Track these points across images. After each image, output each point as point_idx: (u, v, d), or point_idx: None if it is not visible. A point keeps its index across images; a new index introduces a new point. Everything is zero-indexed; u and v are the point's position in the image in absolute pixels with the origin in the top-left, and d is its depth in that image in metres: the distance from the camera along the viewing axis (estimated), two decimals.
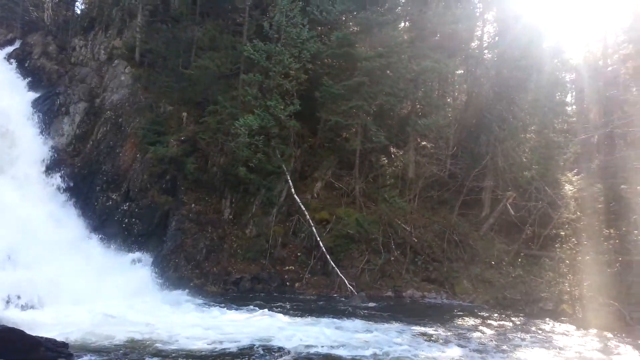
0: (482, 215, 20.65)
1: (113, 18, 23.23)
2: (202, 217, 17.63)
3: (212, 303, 13.95)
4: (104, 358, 8.73)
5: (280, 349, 9.84)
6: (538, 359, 10.01)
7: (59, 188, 18.33)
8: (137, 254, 16.58)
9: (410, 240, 18.86)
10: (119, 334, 10.09)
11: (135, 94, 20.27)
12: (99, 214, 18.03)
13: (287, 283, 17.11)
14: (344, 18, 23.17)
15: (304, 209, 18.35)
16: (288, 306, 14.11)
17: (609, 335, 12.58)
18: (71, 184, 18.50)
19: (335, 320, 12.63)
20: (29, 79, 21.86)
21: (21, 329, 8.14)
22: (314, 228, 17.91)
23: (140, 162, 18.54)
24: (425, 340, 11.11)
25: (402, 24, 24.40)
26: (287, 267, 17.56)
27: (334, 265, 17.03)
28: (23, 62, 22.90)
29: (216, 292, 15.89)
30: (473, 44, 25.44)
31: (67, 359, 8.09)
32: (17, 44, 24.21)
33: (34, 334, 8.07)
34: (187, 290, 15.25)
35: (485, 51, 25.20)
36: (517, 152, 20.67)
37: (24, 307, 11.91)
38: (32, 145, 19.00)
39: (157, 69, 21.09)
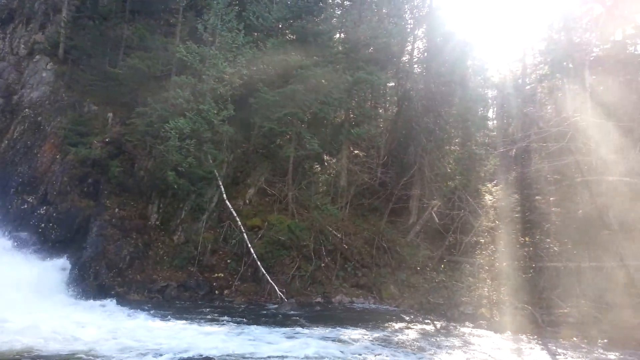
0: (409, 222, 21.40)
1: (35, 11, 21.96)
2: (127, 222, 16.93)
3: (134, 312, 13.38)
4: None
5: (206, 358, 9.62)
6: None
7: None
8: (54, 261, 15.61)
9: (340, 247, 19.15)
10: (23, 345, 9.45)
11: (57, 91, 19.22)
12: (13, 218, 16.83)
13: (216, 291, 16.78)
14: (280, 25, 23.28)
15: (235, 215, 18.13)
16: (216, 314, 13.84)
17: (523, 337, 13.37)
18: None
19: (263, 327, 12.55)
20: None
21: None
22: (245, 235, 17.74)
23: (60, 163, 17.55)
24: (352, 344, 11.30)
25: (337, 35, 24.89)
26: (216, 275, 17.22)
27: (264, 272, 16.92)
28: None
29: (140, 300, 15.28)
30: (404, 58, 26.45)
31: None
32: None
33: None
34: (108, 299, 14.55)
35: (415, 66, 26.28)
36: (443, 163, 21.64)
37: None
38: None
39: (81, 67, 20.15)
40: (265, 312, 14.91)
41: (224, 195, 18.34)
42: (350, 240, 19.70)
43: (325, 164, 23.37)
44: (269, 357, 9.90)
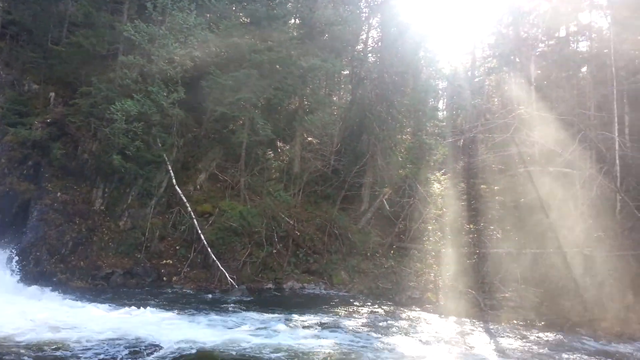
0: (361, 209, 21.69)
1: None
2: (69, 207, 16.22)
3: (77, 299, 12.90)
4: None
5: (151, 345, 9.41)
6: (402, 344, 10.74)
7: None
8: None
9: (293, 234, 19.17)
10: None
11: None
12: None
13: (164, 277, 16.41)
14: (234, 8, 22.78)
15: (185, 200, 17.75)
16: (163, 301, 13.57)
17: (466, 320, 13.91)
18: None
19: (212, 314, 12.43)
20: None
21: None
22: (195, 221, 17.41)
23: None
24: (301, 329, 11.38)
25: (292, 21, 24.65)
26: (164, 261, 16.83)
27: (214, 259, 16.70)
28: None
29: (84, 287, 14.73)
30: (358, 47, 26.55)
31: None
32: None
33: None
34: (50, 286, 13.96)
35: (369, 54, 26.44)
36: (394, 152, 21.99)
37: None
38: None
39: (21, 43, 18.98)
40: (215, 298, 14.75)
41: (174, 181, 17.89)
42: (302, 226, 19.75)
43: (279, 150, 23.24)
44: (217, 343, 9.81)
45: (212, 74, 19.03)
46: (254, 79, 19.23)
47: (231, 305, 13.86)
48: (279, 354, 9.25)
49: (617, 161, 17.19)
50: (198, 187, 19.39)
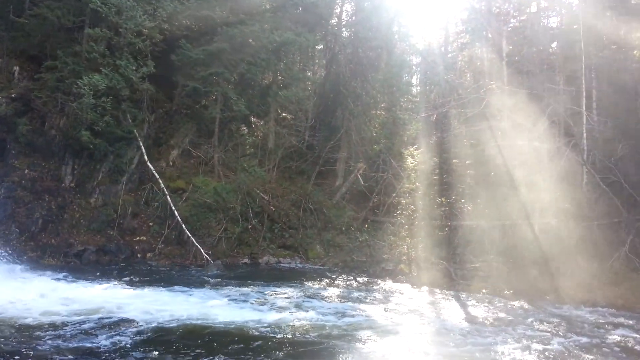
0: (335, 184, 21.85)
1: None
2: (38, 184, 15.85)
3: (48, 277, 12.72)
4: None
5: (127, 320, 9.38)
6: (375, 314, 11.00)
7: None
8: None
9: (268, 209, 19.21)
10: None
11: None
12: None
13: (138, 254, 16.31)
14: None
15: (157, 177, 17.55)
16: (137, 278, 13.48)
17: (437, 290, 14.29)
18: None
19: (187, 289, 12.43)
20: None
21: None
22: (168, 197, 17.26)
23: None
24: (278, 302, 11.51)
25: None
26: (137, 238, 16.71)
27: (189, 235, 16.65)
28: None
29: (55, 265, 14.51)
30: (332, 21, 26.32)
31: None
32: None
33: None
34: (21, 265, 13.70)
35: (344, 29, 26.25)
36: (369, 127, 22.13)
37: None
38: None
39: None
40: (191, 274, 14.75)
41: (145, 157, 17.63)
42: (277, 202, 19.81)
43: (253, 126, 23.08)
44: (193, 317, 9.85)
45: (182, 47, 18.64)
46: (226, 53, 18.94)
47: (207, 280, 13.89)
48: (256, 326, 9.36)
49: (585, 135, 17.64)
50: (171, 163, 19.17)
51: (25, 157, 16.18)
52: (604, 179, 16.98)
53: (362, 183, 21.06)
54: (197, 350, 7.75)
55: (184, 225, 16.78)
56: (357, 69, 22.90)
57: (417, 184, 18.64)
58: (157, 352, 7.52)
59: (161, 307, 10.41)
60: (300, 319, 10.12)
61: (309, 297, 12.32)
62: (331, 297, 12.59)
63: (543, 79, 18.65)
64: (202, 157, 19.87)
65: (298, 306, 11.24)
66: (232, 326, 9.29)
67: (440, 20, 25.31)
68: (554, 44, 21.25)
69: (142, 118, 18.00)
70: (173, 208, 17.02)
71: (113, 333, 8.56)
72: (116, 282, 12.48)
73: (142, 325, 9.06)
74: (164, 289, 12.26)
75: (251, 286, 13.11)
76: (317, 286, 13.92)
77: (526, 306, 12.74)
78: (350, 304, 11.85)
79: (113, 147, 16.85)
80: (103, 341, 8.02)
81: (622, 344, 9.40)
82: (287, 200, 20.15)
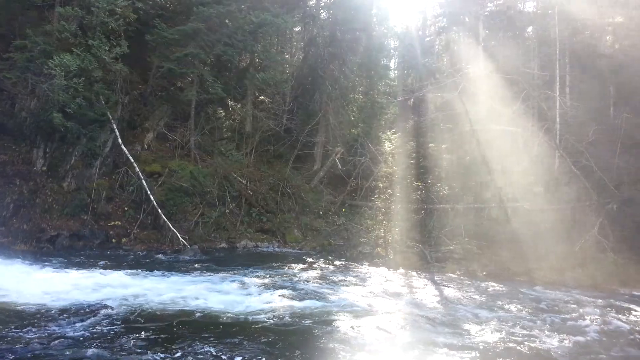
0: (313, 168, 21.86)
1: None
2: (8, 168, 15.41)
3: (21, 263, 12.48)
4: None
5: (102, 306, 9.29)
6: (352, 296, 11.13)
7: None
8: None
9: (245, 193, 19.14)
10: None
11: None
12: None
13: (113, 239, 16.08)
14: None
15: (132, 160, 17.24)
16: (112, 263, 13.33)
17: (413, 272, 14.54)
18: None
19: (163, 274, 12.34)
20: None
21: None
22: (144, 181, 17.00)
23: None
24: (255, 286, 11.54)
25: None
26: (112, 223, 16.45)
27: (165, 219, 16.48)
28: None
29: (28, 250, 14.21)
30: (311, 2, 26.01)
31: None
32: None
33: None
34: None
35: (322, 11, 25.99)
36: (347, 111, 22.12)
37: None
38: None
39: None
40: (167, 259, 14.64)
41: (120, 140, 17.29)
42: (255, 186, 19.73)
43: (230, 109, 22.81)
44: (170, 301, 9.80)
45: (157, 27, 18.22)
46: (202, 33, 18.58)
47: (184, 264, 13.82)
48: (233, 310, 9.37)
49: (557, 119, 18.00)
50: (146, 146, 18.86)
51: None
52: (576, 162, 17.41)
53: (340, 167, 21.12)
54: (173, 335, 7.74)
55: (159, 210, 16.59)
56: (335, 52, 22.76)
57: (395, 167, 18.83)
58: (132, 337, 7.48)
59: (136, 292, 10.32)
60: (278, 302, 10.18)
61: (286, 280, 12.39)
62: (309, 280, 12.68)
63: (518, 63, 18.87)
64: (178, 141, 19.59)
65: (275, 290, 11.28)
66: (209, 310, 9.29)
67: (418, 4, 25.27)
68: (530, 29, 21.48)
69: (115, 100, 17.60)
70: (148, 192, 16.80)
71: (87, 318, 8.47)
72: (91, 268, 12.32)
73: (117, 311, 8.98)
74: (139, 274, 12.14)
75: (229, 270, 13.09)
76: (294, 270, 14.00)
77: (499, 287, 13.06)
78: (327, 287, 11.96)
79: (86, 129, 16.47)
80: (77, 327, 7.93)
81: (588, 322, 9.74)
82: (264, 184, 20.08)
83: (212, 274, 12.64)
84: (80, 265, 12.50)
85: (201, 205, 17.88)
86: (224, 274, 12.66)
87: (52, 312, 8.65)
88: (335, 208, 19.63)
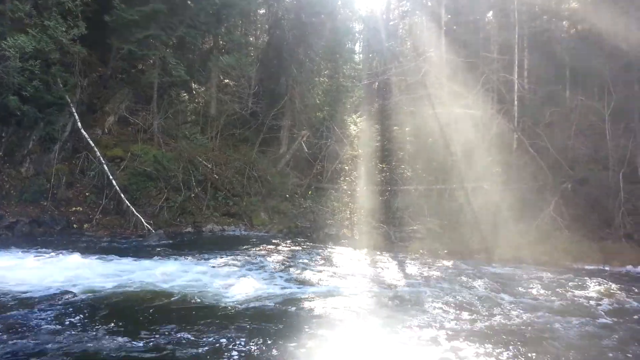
0: (279, 152, 21.88)
1: None
2: None
3: None
4: None
5: (64, 292, 9.17)
6: (319, 276, 11.34)
7: None
8: None
9: (211, 177, 19.03)
10: None
11: None
12: None
13: (75, 225, 15.77)
14: None
15: (93, 145, 16.87)
16: (75, 248, 13.07)
17: (378, 252, 14.88)
18: None
19: (128, 258, 12.22)
20: None
21: None
22: (105, 166, 16.69)
23: None
24: (222, 268, 11.59)
25: None
26: (74, 209, 16.13)
27: (129, 204, 16.26)
28: None
29: None
30: None
31: None
32: None
33: None
34: None
35: None
36: (312, 94, 22.14)
37: None
38: None
39: None
40: (130, 244, 14.48)
41: (79, 124, 16.86)
42: (221, 170, 19.64)
43: (194, 92, 22.50)
44: (134, 286, 9.76)
45: (116, 8, 17.69)
46: (163, 14, 18.18)
47: (149, 249, 13.70)
48: (199, 293, 9.41)
49: (516, 102, 18.56)
50: (107, 130, 18.46)
51: None
52: (533, 144, 18.05)
53: (306, 150, 21.23)
54: (137, 320, 7.73)
55: (122, 195, 16.35)
56: (300, 35, 22.66)
57: (360, 150, 19.08)
58: (97, 323, 7.45)
59: (100, 277, 10.22)
60: (245, 284, 10.26)
61: (253, 263, 12.48)
62: (275, 262, 12.81)
63: (478, 47, 19.29)
64: (140, 125, 19.24)
65: (243, 272, 11.36)
66: (175, 294, 9.29)
67: None
68: (490, 14, 21.91)
69: (74, 83, 17.10)
70: (110, 177, 16.51)
71: (50, 305, 8.36)
72: (51, 254, 12.08)
73: (80, 297, 8.90)
74: (103, 259, 12.00)
75: (195, 254, 13.07)
76: (261, 252, 14.10)
77: (459, 265, 13.54)
78: (294, 268, 12.13)
79: (43, 113, 15.98)
80: (39, 314, 7.83)
81: (543, 296, 10.26)
82: (230, 168, 20.01)
83: (179, 257, 12.60)
84: (40, 252, 12.24)
85: (166, 189, 17.71)
86: (191, 258, 12.64)
87: (10, 299, 8.50)
88: (302, 191, 19.77)
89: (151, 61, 19.50)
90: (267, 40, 26.06)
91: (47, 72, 15.92)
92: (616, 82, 17.55)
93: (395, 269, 12.85)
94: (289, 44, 23.03)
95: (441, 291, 10.35)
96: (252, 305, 8.76)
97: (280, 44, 24.13)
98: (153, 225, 16.06)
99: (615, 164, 16.90)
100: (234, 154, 20.95)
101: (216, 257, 12.87)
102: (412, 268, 12.88)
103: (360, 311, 8.65)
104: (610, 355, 6.91)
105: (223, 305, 8.69)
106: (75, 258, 11.86)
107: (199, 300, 8.98)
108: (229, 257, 12.91)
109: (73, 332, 7.04)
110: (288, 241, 16.02)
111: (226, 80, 23.70)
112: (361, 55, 27.89)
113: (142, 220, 15.94)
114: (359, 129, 21.25)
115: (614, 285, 11.27)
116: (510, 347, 6.88)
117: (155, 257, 12.56)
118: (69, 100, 16.66)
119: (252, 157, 20.57)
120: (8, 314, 7.75)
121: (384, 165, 17.78)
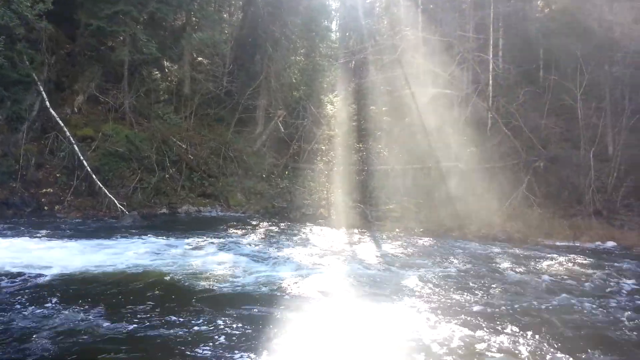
0: (256, 132, 21.65)
1: None
2: None
3: None
4: None
5: (35, 275, 8.97)
6: (295, 255, 11.37)
7: None
8: None
9: (186, 158, 18.75)
10: None
11: None
12: None
13: (45, 207, 15.38)
14: None
15: (62, 124, 16.37)
16: (46, 230, 12.79)
17: (355, 231, 15.00)
18: None
19: (101, 240, 12.00)
20: None
21: None
22: (75, 146, 16.23)
23: None
24: (198, 250, 11.49)
25: None
26: (44, 190, 15.69)
27: (101, 185, 15.91)
28: None
29: None
30: None
31: None
32: None
33: None
34: None
35: None
36: (288, 73, 21.87)
37: None
38: None
39: None
40: (103, 226, 14.21)
41: (47, 103, 16.32)
42: (195, 150, 19.36)
43: (166, 70, 21.97)
44: (108, 267, 9.60)
45: None
46: None
47: (122, 231, 13.46)
48: (176, 273, 9.32)
49: (490, 82, 18.71)
50: (76, 109, 17.92)
51: None
52: (507, 123, 18.29)
53: (282, 130, 21.06)
54: (109, 302, 7.61)
55: (94, 176, 15.98)
56: (275, 12, 22.24)
57: (336, 130, 19.02)
58: (66, 305, 7.31)
59: (73, 259, 10.01)
60: (222, 264, 10.21)
61: (230, 243, 12.41)
62: (252, 243, 12.77)
63: (455, 26, 19.30)
64: (111, 103, 18.73)
65: (219, 252, 11.30)
66: (149, 277, 9.18)
67: None
68: None
69: (41, 60, 16.49)
70: (81, 158, 16.08)
71: (18, 288, 8.17)
72: (22, 236, 11.77)
73: (51, 277, 8.72)
74: (74, 241, 11.74)
75: (170, 236, 12.91)
76: (238, 233, 14.04)
77: (434, 242, 13.75)
78: (272, 248, 12.12)
79: (9, 92, 15.41)
80: (7, 296, 7.65)
81: (515, 270, 10.51)
82: (206, 148, 19.73)
83: (153, 239, 12.43)
84: (10, 235, 11.92)
85: (139, 170, 17.38)
86: (166, 239, 12.48)
87: None
88: (278, 171, 19.67)
89: (121, 38, 18.89)
90: (242, 17, 25.54)
91: (12, 48, 15.30)
92: (588, 62, 17.84)
93: (371, 248, 12.97)
94: (264, 21, 22.60)
95: (417, 269, 10.49)
96: (228, 286, 8.72)
97: (255, 21, 23.66)
98: (127, 207, 15.77)
99: (586, 143, 17.29)
100: (209, 134, 20.65)
101: (192, 238, 12.74)
102: (388, 246, 13.02)
103: (335, 290, 8.71)
104: (578, 324, 7.14)
105: (199, 287, 8.62)
106: (46, 240, 11.60)
107: (173, 281, 8.89)
108: (205, 238, 12.80)
109: (43, 314, 6.90)
110: (265, 221, 15.98)
111: (200, 58, 23.20)
112: (338, 34, 27.61)
113: (115, 201, 15.64)
114: (336, 108, 21.15)
115: (582, 260, 11.63)
116: (483, 321, 7.04)
117: (129, 239, 12.36)
118: (35, 78, 16.08)
119: (228, 137, 20.32)
120: None
121: (360, 145, 17.79)
